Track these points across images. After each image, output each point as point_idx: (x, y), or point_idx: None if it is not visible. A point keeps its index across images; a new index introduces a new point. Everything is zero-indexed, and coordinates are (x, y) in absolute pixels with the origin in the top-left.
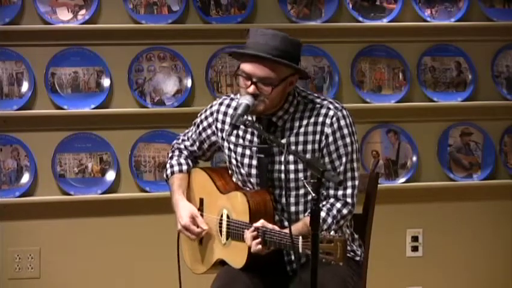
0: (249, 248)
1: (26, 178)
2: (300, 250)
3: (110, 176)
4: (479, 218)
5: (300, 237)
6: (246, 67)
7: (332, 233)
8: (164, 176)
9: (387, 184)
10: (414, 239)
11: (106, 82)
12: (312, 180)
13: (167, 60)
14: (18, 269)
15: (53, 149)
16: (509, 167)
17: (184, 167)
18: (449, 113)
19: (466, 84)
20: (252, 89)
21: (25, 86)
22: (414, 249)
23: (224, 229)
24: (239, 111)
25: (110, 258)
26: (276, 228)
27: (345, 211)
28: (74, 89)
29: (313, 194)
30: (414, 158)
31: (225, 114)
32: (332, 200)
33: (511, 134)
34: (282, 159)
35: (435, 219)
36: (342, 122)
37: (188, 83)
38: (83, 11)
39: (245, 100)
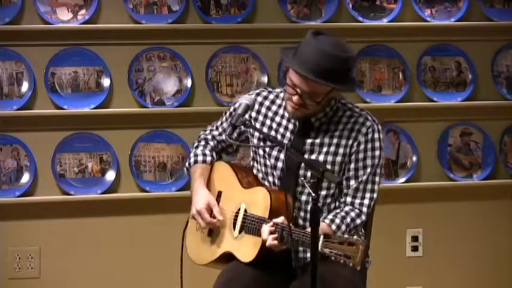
0: (263, 242)
1: (26, 178)
2: (320, 249)
3: (110, 176)
4: (479, 218)
5: (322, 236)
6: (294, 78)
7: (355, 237)
8: (187, 164)
9: (387, 184)
10: (414, 239)
11: (106, 82)
12: (312, 180)
13: (167, 60)
14: (18, 268)
15: (53, 149)
16: (509, 167)
17: (208, 158)
18: (449, 113)
19: (465, 84)
20: (296, 99)
21: (25, 86)
22: (414, 249)
23: (239, 222)
24: (239, 111)
25: (110, 258)
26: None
27: (358, 221)
28: (74, 89)
29: (313, 194)
30: (414, 158)
31: (261, 104)
32: (347, 208)
33: (511, 134)
34: (313, 157)
35: (435, 219)
36: (376, 135)
37: (188, 83)
38: (83, 11)
39: (245, 100)
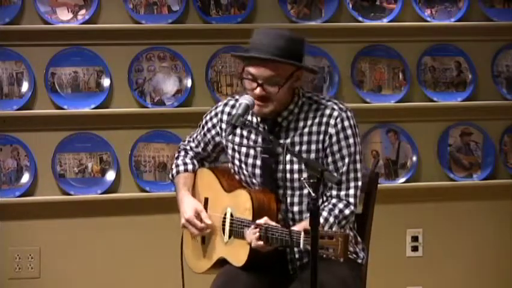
0: (251, 245)
1: (26, 178)
2: (301, 246)
3: (110, 176)
4: (479, 218)
5: (302, 232)
6: (251, 69)
7: (334, 228)
8: (170, 176)
9: (387, 184)
10: (414, 239)
11: (106, 82)
12: (312, 180)
13: (167, 60)
14: (18, 268)
15: (53, 149)
16: (509, 167)
17: (190, 167)
18: (449, 113)
19: (466, 84)
20: (258, 90)
21: (25, 86)
22: (414, 249)
23: (227, 227)
24: (239, 111)
25: (110, 258)
26: (279, 226)
27: (347, 211)
28: (74, 89)
29: (313, 194)
30: (414, 158)
31: (229, 114)
32: (334, 201)
33: (511, 134)
34: (288, 158)
35: (435, 219)
36: (346, 123)
37: (188, 83)
38: (83, 11)
39: (245, 100)
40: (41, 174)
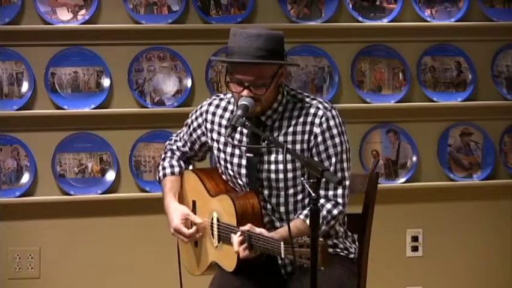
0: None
1: (26, 178)
2: (283, 255)
3: (110, 176)
4: (479, 218)
5: (282, 242)
6: (236, 75)
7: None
8: (157, 178)
9: (387, 184)
10: (414, 239)
11: (106, 82)
12: (311, 180)
13: (167, 60)
14: (18, 269)
15: (53, 149)
16: (509, 167)
17: (176, 169)
18: (449, 113)
19: (466, 84)
20: (245, 92)
21: (25, 86)
22: (414, 249)
23: (215, 232)
24: (238, 112)
25: (110, 258)
26: (264, 232)
27: (335, 212)
28: (74, 89)
29: (313, 194)
30: (414, 158)
31: (214, 114)
32: (322, 201)
33: (511, 134)
34: (272, 158)
35: (435, 219)
36: (331, 122)
37: (188, 83)
38: (83, 11)
39: (244, 101)
40: (41, 174)
